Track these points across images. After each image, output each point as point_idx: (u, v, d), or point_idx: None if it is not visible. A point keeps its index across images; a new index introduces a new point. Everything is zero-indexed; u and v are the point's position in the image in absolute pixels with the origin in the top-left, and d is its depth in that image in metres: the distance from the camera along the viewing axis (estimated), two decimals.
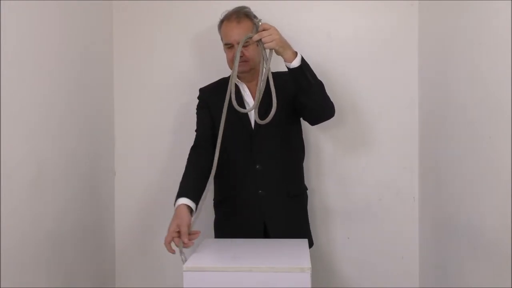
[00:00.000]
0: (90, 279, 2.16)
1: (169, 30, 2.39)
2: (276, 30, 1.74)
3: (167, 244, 1.67)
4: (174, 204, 1.77)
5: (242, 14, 1.96)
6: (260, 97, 1.75)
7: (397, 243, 2.35)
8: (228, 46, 1.96)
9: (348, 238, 2.36)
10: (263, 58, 1.77)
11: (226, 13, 2.00)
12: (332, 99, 1.95)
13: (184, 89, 2.35)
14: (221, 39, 2.03)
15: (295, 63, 1.77)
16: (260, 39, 1.73)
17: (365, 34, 2.33)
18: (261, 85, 1.75)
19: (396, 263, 2.35)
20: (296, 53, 1.78)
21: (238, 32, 1.92)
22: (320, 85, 1.87)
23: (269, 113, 1.72)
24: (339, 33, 2.34)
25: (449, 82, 1.92)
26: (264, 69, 1.76)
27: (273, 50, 1.75)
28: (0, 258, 1.50)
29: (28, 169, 1.68)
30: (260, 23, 1.78)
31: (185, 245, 1.65)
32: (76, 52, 2.04)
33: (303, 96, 1.85)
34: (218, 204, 2.07)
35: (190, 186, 1.81)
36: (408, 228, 2.34)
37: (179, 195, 1.77)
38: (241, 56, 1.90)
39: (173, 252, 1.66)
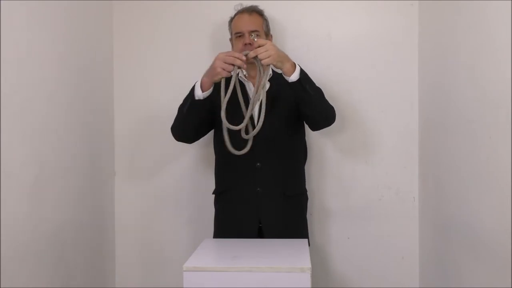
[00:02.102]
0: (90, 279, 2.16)
1: (169, 30, 2.39)
2: (272, 45, 1.74)
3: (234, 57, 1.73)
4: (194, 88, 1.85)
5: (253, 10, 2.01)
6: (264, 113, 1.76)
7: (397, 243, 2.35)
8: (239, 35, 1.98)
9: (348, 238, 2.36)
10: (260, 73, 1.77)
11: (238, 8, 2.05)
12: (331, 100, 1.96)
13: (183, 89, 2.34)
14: (230, 34, 2.06)
15: (294, 77, 1.78)
16: (256, 56, 1.73)
17: (365, 34, 2.33)
18: (263, 102, 1.75)
19: (396, 263, 2.35)
20: (295, 65, 1.79)
21: (249, 23, 1.96)
22: (319, 94, 1.89)
23: (269, 118, 1.79)
24: (339, 33, 2.34)
25: (449, 82, 1.92)
26: (262, 85, 1.76)
27: (270, 65, 1.76)
28: (0, 258, 1.50)
29: (29, 169, 1.68)
30: (255, 40, 1.79)
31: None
32: (76, 52, 2.04)
33: (303, 106, 1.87)
34: (217, 198, 2.09)
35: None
36: (408, 228, 2.34)
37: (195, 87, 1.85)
38: (250, 44, 1.93)
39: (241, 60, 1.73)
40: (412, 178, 2.34)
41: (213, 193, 2.11)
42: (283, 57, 1.76)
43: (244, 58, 1.74)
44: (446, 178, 1.97)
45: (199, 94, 1.83)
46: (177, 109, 1.95)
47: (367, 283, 2.36)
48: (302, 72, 1.80)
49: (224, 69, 1.74)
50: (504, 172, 1.45)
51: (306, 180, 2.15)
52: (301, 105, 1.87)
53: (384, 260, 2.35)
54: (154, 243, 2.43)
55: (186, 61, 2.39)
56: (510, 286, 1.42)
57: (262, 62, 1.73)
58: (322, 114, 1.91)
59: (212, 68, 1.77)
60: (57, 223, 1.86)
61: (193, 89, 1.86)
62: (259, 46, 1.73)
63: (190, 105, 1.86)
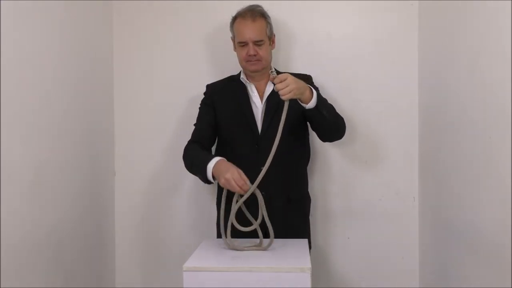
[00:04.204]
0: (90, 279, 2.16)
1: (169, 30, 2.39)
2: (292, 78, 1.69)
3: (245, 182, 1.72)
4: (206, 168, 1.78)
5: (257, 13, 1.96)
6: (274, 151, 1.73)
7: (397, 243, 2.34)
8: (242, 44, 1.96)
9: (348, 238, 2.36)
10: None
11: (239, 10, 1.99)
12: (331, 100, 1.95)
13: (183, 90, 2.35)
14: (233, 36, 2.03)
15: (311, 104, 1.77)
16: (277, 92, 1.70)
17: (365, 34, 2.33)
18: (277, 139, 1.71)
19: (396, 263, 2.35)
20: (311, 91, 1.77)
21: (252, 31, 1.92)
22: (334, 114, 1.89)
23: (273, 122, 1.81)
24: (339, 33, 2.34)
25: (449, 82, 1.92)
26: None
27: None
28: (0, 258, 1.50)
29: (29, 169, 1.68)
30: (273, 74, 1.73)
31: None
32: (76, 52, 2.04)
33: (317, 126, 1.90)
34: (220, 202, 2.08)
35: (210, 153, 1.87)
36: (408, 228, 2.34)
37: (210, 157, 1.80)
38: (254, 55, 1.91)
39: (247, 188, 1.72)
40: (412, 178, 2.33)
41: (217, 198, 2.10)
42: (303, 88, 1.73)
43: (247, 189, 1.73)
44: (446, 178, 1.97)
45: (210, 180, 1.82)
46: (188, 156, 1.94)
47: (367, 283, 2.36)
48: (319, 96, 1.79)
49: (226, 185, 1.73)
50: (504, 172, 1.45)
51: (308, 181, 2.16)
52: (315, 125, 1.90)
53: (384, 260, 2.35)
54: (154, 243, 2.43)
55: (186, 61, 2.38)
56: (510, 286, 1.42)
57: (283, 98, 1.68)
58: (336, 130, 1.94)
59: (219, 176, 1.74)
60: (57, 223, 1.86)
61: (205, 168, 1.79)
62: (279, 82, 1.67)
63: (202, 180, 1.85)
